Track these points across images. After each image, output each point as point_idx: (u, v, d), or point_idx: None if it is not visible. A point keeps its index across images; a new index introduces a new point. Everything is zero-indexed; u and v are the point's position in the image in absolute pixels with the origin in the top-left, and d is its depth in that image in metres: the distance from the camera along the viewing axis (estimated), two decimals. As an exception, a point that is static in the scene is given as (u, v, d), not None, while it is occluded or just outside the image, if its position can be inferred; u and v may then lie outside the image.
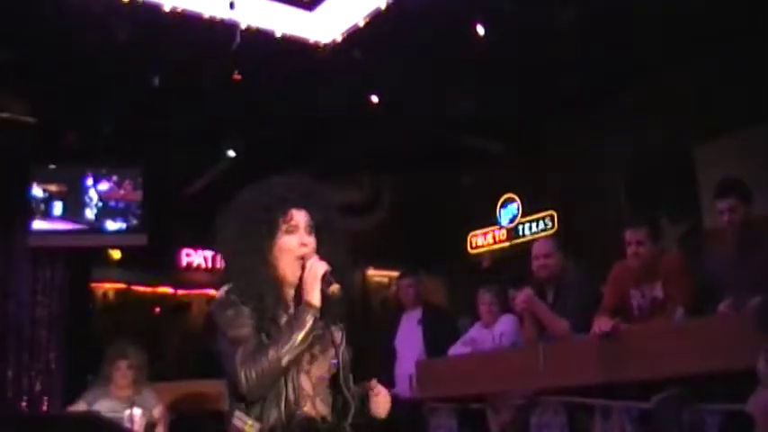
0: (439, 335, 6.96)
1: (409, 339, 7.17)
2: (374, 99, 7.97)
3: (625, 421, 4.56)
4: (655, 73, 7.94)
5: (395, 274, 9.44)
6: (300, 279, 2.71)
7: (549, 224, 9.62)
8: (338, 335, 2.80)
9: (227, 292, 2.69)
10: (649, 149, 8.32)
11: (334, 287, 2.65)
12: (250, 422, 2.62)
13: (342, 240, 2.90)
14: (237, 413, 2.64)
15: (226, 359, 2.60)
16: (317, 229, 2.80)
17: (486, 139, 9.66)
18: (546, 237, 8.12)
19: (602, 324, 4.89)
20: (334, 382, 2.75)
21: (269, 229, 2.74)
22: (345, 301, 2.77)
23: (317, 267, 2.68)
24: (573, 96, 8.29)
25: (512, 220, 10.11)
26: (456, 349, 6.51)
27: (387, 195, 10.86)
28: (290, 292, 2.77)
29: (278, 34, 6.97)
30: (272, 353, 2.55)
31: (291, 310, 2.72)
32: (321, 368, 2.74)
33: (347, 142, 8.98)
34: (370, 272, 11.25)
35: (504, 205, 10.21)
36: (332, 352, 2.77)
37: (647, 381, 4.46)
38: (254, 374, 2.53)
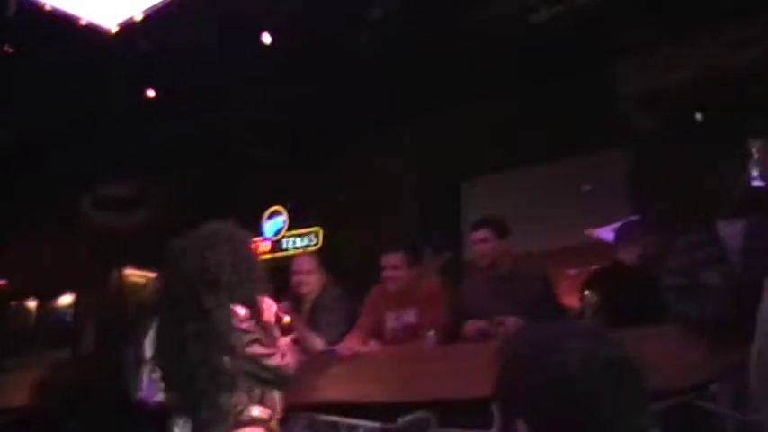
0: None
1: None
2: (150, 93, 7.77)
3: (369, 440, 4.62)
4: (438, 108, 8.23)
5: (153, 275, 9.18)
6: None
7: (314, 240, 9.69)
8: None
9: None
10: (421, 180, 8.60)
11: None
12: None
13: None
14: None
15: None
16: None
17: (261, 147, 9.62)
18: (308, 253, 8.17)
19: (346, 347, 4.98)
20: None
21: None
22: None
23: None
24: (356, 117, 8.44)
25: (277, 233, 10.11)
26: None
27: (153, 194, 10.56)
28: None
29: (47, 6, 6.36)
30: None
31: None
32: None
33: (119, 135, 8.68)
34: (128, 271, 10.89)
35: (270, 217, 10.19)
36: None
37: (396, 402, 4.55)
38: None
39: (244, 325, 3.53)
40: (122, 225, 10.00)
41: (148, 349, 6.98)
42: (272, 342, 3.66)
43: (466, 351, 4.60)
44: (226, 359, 3.48)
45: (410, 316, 5.29)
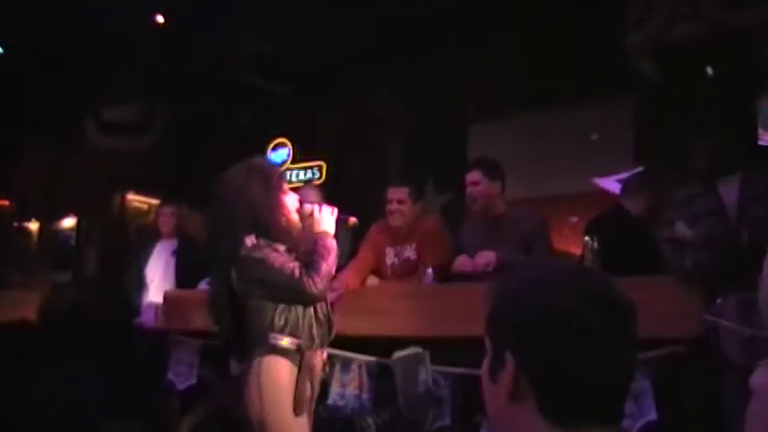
0: (192, 268, 6.85)
1: (161, 269, 7.04)
2: (160, 19, 7.72)
3: (364, 374, 4.67)
4: (448, 46, 8.17)
5: (155, 201, 9.21)
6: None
7: (317, 174, 9.70)
8: None
9: None
10: (427, 118, 8.57)
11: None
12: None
13: None
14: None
15: None
16: None
17: (268, 79, 9.57)
18: (311, 185, 8.20)
19: (339, 282, 4.96)
20: None
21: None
22: None
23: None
24: (363, 51, 8.39)
25: (280, 165, 10.11)
26: (205, 284, 6.42)
27: (158, 120, 10.52)
28: None
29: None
30: None
31: None
32: None
33: (125, 59, 8.62)
34: (130, 196, 10.92)
35: (275, 149, 10.18)
36: None
37: (391, 337, 4.60)
38: None
39: (255, 253, 3.51)
40: (126, 150, 9.99)
41: (149, 274, 7.08)
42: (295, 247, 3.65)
43: (462, 290, 4.62)
44: (238, 285, 3.54)
45: (410, 252, 5.32)
